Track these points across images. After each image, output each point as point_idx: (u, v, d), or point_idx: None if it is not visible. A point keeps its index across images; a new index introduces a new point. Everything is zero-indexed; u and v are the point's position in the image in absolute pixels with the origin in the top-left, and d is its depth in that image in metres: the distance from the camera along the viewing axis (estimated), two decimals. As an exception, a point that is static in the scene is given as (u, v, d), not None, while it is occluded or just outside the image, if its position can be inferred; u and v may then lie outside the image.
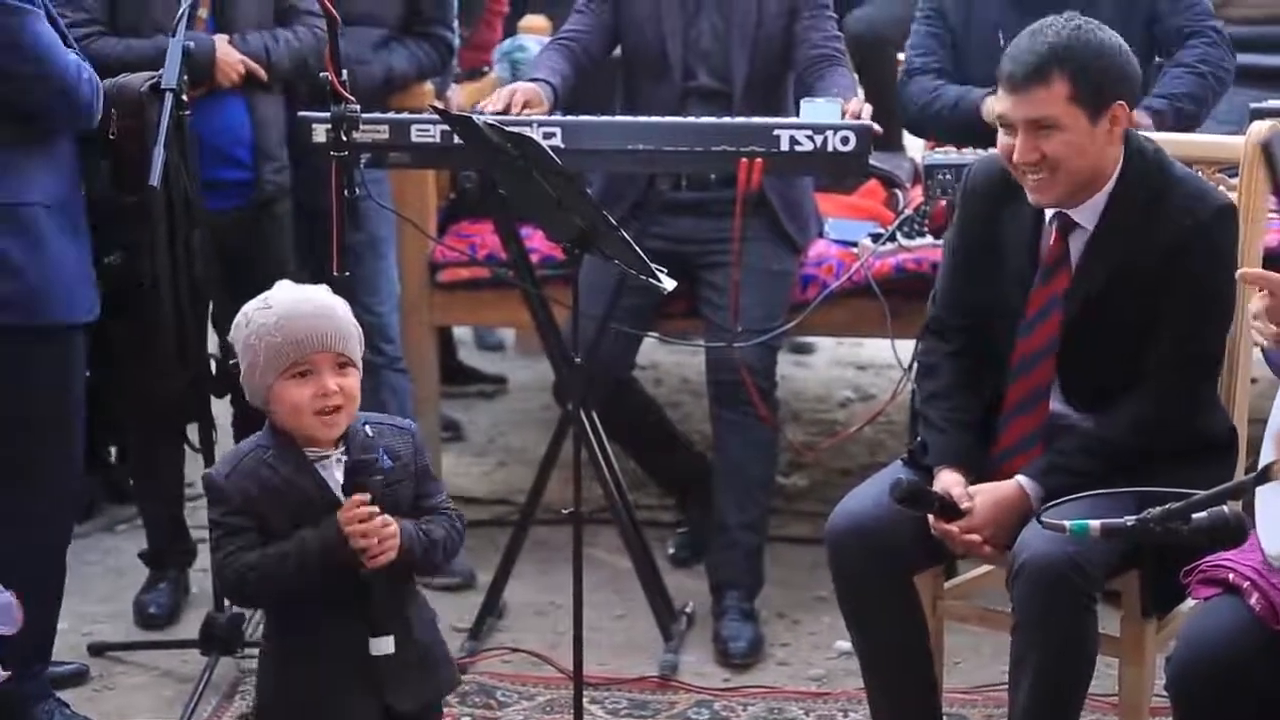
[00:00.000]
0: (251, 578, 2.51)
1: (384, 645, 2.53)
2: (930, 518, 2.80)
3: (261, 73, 3.65)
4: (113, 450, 4.47)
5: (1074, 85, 2.73)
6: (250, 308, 2.57)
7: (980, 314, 2.97)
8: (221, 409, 3.65)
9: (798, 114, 3.59)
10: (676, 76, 3.82)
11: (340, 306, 2.58)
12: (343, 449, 2.56)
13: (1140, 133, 2.96)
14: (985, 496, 2.80)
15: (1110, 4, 3.62)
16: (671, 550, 4.14)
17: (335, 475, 2.55)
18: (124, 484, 4.41)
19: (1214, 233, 2.79)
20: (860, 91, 3.95)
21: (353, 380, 2.55)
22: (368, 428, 2.59)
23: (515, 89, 3.68)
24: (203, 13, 3.63)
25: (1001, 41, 3.38)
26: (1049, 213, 2.87)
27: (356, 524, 2.48)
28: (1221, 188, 3.10)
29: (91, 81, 3.14)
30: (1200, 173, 3.12)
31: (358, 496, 2.50)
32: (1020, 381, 2.89)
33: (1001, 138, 2.83)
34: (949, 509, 2.78)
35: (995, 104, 2.88)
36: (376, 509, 2.50)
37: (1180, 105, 3.62)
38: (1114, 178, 2.83)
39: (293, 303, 2.55)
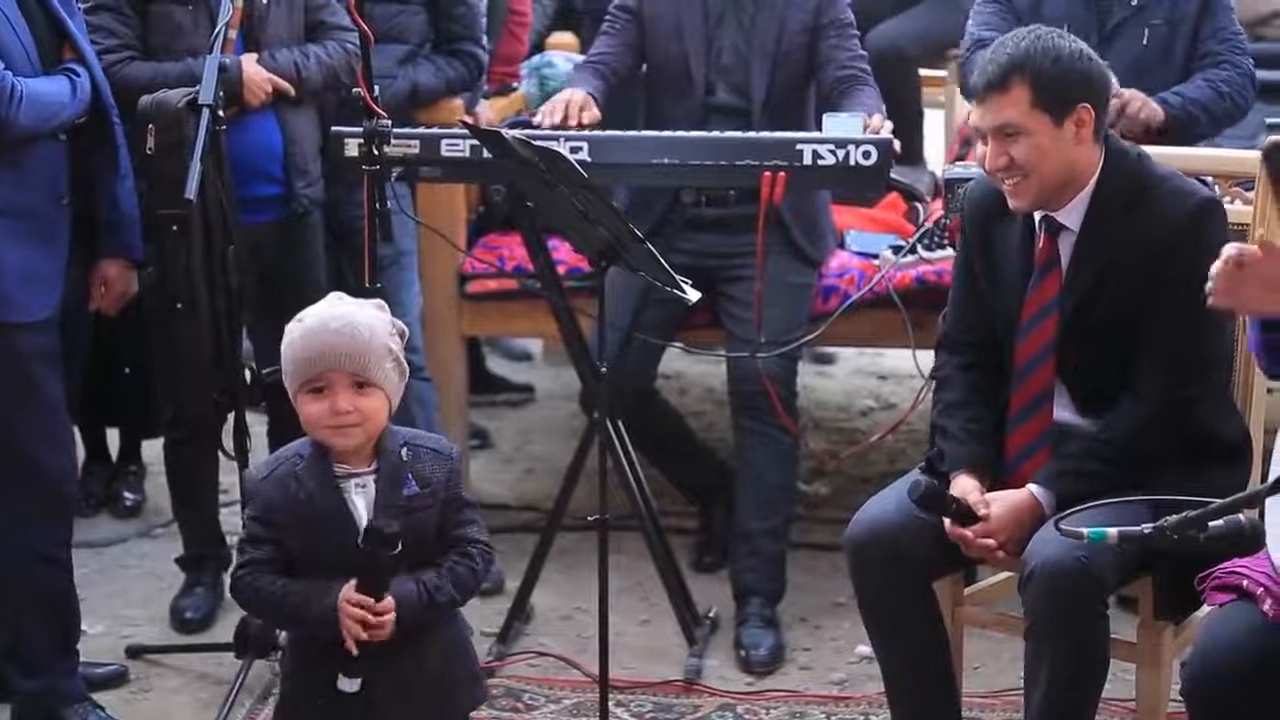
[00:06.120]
0: (253, 601, 2.57)
1: (350, 685, 2.52)
2: (946, 521, 2.85)
3: (290, 90, 3.69)
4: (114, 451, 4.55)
5: (1034, 91, 2.79)
6: (296, 317, 2.56)
7: (987, 326, 3.02)
8: (255, 417, 3.72)
9: (820, 130, 3.64)
10: (698, 92, 3.86)
11: (367, 327, 2.51)
12: (374, 467, 2.54)
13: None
14: (1000, 503, 2.85)
15: (1162, 14, 3.68)
16: (694, 556, 4.18)
17: (359, 500, 2.53)
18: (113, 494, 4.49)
19: (1197, 228, 2.80)
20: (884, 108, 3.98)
21: (372, 400, 2.51)
22: (405, 449, 2.56)
23: (571, 95, 3.70)
24: (231, 33, 3.60)
25: None
26: (1038, 217, 2.92)
27: (351, 621, 2.47)
28: (1238, 202, 3.15)
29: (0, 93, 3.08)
30: (1217, 186, 3.17)
31: (359, 595, 2.46)
32: (1022, 386, 2.93)
33: (978, 149, 2.89)
34: (964, 514, 2.83)
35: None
36: (374, 608, 2.47)
37: (1191, 110, 3.66)
38: (1094, 179, 2.87)
39: (319, 319, 2.53)
